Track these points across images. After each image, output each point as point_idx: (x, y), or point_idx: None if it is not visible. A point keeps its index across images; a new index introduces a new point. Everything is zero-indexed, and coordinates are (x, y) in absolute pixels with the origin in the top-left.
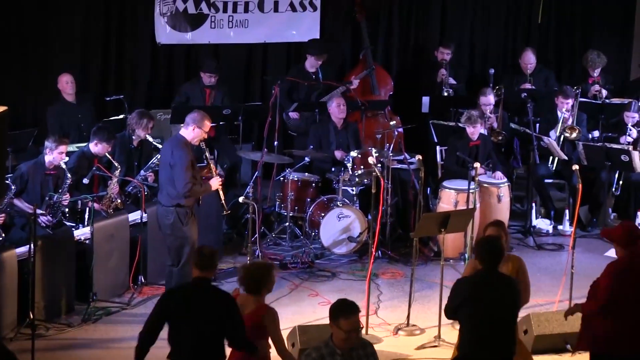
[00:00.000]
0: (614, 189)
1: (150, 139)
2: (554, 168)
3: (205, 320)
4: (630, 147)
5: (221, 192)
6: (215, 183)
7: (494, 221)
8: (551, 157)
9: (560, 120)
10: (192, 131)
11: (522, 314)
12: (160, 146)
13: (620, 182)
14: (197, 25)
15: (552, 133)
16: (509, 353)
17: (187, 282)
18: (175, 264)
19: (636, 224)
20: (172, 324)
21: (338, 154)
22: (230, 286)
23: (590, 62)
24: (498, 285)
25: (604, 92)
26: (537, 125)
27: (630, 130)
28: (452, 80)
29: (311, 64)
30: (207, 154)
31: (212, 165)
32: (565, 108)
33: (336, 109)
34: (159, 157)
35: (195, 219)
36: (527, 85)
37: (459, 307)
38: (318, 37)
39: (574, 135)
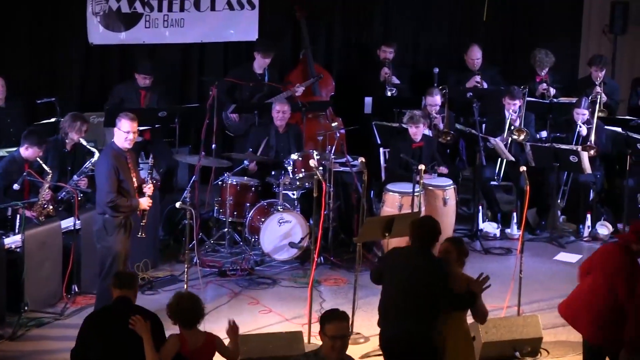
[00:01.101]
0: (562, 192)
1: (84, 143)
2: (501, 170)
3: (129, 344)
4: (579, 148)
5: (146, 214)
6: (145, 203)
7: (454, 238)
8: (498, 159)
9: (507, 122)
10: (116, 135)
11: (469, 320)
12: (94, 150)
13: (569, 184)
14: (131, 24)
15: (498, 139)
16: (417, 335)
17: (108, 305)
18: (99, 273)
19: (586, 226)
20: (96, 350)
21: (251, 165)
22: (168, 295)
23: (538, 61)
24: (420, 262)
25: (552, 91)
26: (484, 125)
27: (580, 127)
28: (395, 80)
29: (259, 63)
30: (151, 168)
31: (150, 182)
32: (512, 109)
33: (276, 114)
34: (92, 161)
35: (128, 230)
36: (477, 78)
37: (382, 274)
38: (257, 37)
39: (522, 137)
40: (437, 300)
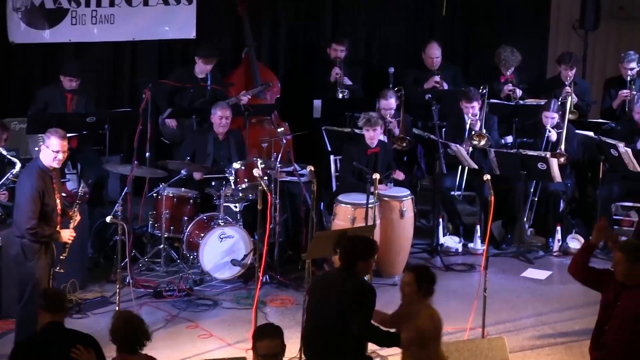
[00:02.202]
0: (529, 203)
1: (4, 152)
2: (463, 179)
3: None
4: (548, 154)
5: (67, 248)
6: (66, 236)
7: (414, 267)
8: (460, 167)
9: (467, 126)
10: (43, 152)
11: None
12: (15, 160)
13: (538, 194)
14: (56, 21)
15: (465, 144)
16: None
17: (37, 331)
18: (18, 300)
19: (556, 239)
20: None
21: (196, 175)
22: (98, 318)
23: (503, 60)
24: (334, 283)
25: (519, 92)
26: (444, 130)
27: (549, 132)
28: (347, 81)
29: (201, 68)
30: (78, 180)
31: (76, 213)
32: (470, 112)
33: (217, 120)
34: (14, 172)
35: (50, 255)
36: (436, 79)
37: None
38: (194, 34)
39: (482, 142)
40: (349, 332)
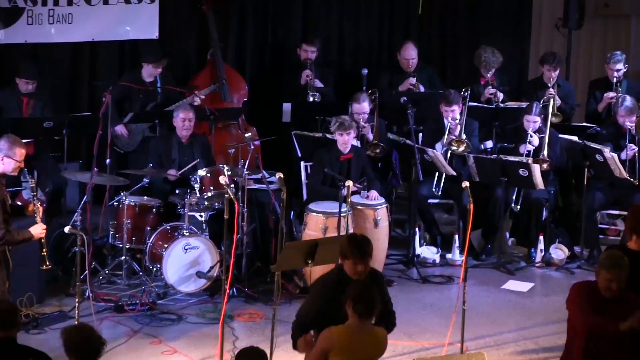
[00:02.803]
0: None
1: None
2: (441, 186)
3: None
4: (530, 160)
5: (44, 242)
6: (38, 230)
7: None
8: (437, 173)
9: (446, 131)
10: (1, 162)
11: (406, 359)
12: None
13: (519, 202)
14: (10, 21)
15: (438, 145)
16: None
17: None
18: None
19: (538, 250)
20: None
21: (171, 173)
22: (57, 334)
23: (484, 61)
24: None
25: (500, 95)
26: (420, 135)
27: (531, 137)
28: (318, 83)
29: (149, 72)
30: (33, 187)
31: (37, 204)
32: (450, 116)
33: (180, 122)
34: None
35: (4, 264)
36: (412, 81)
37: None
38: (157, 35)
39: (461, 149)
40: None
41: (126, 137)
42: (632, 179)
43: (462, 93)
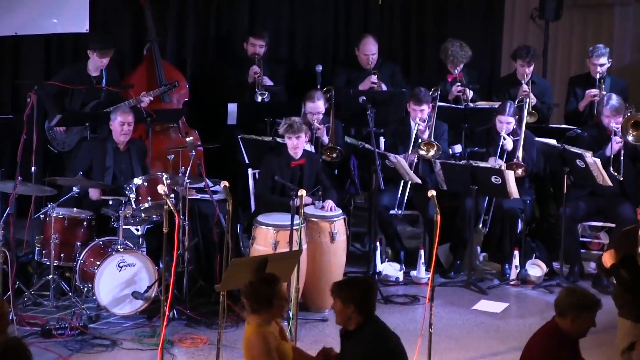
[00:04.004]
0: (482, 223)
1: None
2: (405, 195)
3: None
4: (503, 165)
5: None
6: None
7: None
8: (401, 182)
9: (413, 134)
10: None
11: None
12: None
13: (491, 212)
14: None
15: (404, 155)
16: None
17: None
18: None
19: (513, 266)
20: None
21: (93, 194)
22: None
23: (450, 55)
24: None
25: (469, 93)
26: (382, 138)
27: (504, 139)
28: (267, 81)
29: (95, 64)
30: None
31: None
32: (419, 117)
33: (118, 127)
34: None
35: None
36: (373, 79)
37: None
38: (87, 28)
39: (432, 153)
40: None
41: (63, 134)
42: (616, 174)
43: (432, 93)
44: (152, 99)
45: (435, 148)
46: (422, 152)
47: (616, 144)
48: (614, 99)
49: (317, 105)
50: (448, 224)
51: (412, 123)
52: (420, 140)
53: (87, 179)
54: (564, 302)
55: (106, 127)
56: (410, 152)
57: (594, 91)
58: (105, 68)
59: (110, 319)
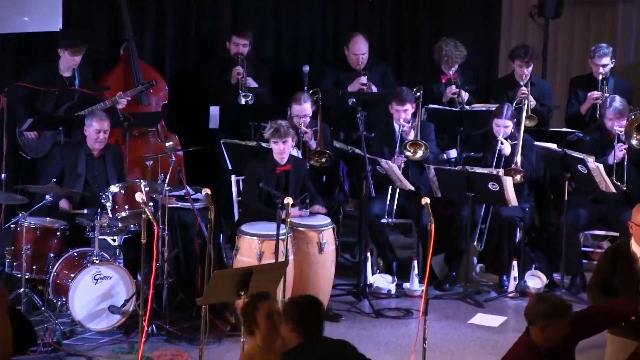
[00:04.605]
0: (477, 236)
1: None
2: (395, 203)
3: None
4: (501, 171)
5: None
6: None
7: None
8: (390, 188)
9: (398, 135)
10: None
11: None
12: None
13: (488, 221)
14: None
15: (395, 159)
16: None
17: None
18: None
19: (511, 277)
20: None
21: (63, 205)
22: None
23: (445, 55)
24: None
25: (464, 95)
26: (373, 143)
27: (502, 144)
28: (251, 82)
29: (67, 63)
30: None
31: None
32: (402, 117)
33: (93, 134)
34: None
35: None
36: (363, 80)
37: None
38: (61, 25)
39: (419, 154)
40: None
41: (35, 140)
42: (619, 184)
43: (415, 92)
44: (129, 99)
45: (422, 148)
46: (409, 154)
47: (619, 151)
48: (618, 101)
49: (304, 108)
50: (443, 233)
51: (395, 125)
52: (405, 142)
53: (59, 186)
54: (533, 309)
55: (81, 131)
56: (396, 155)
57: (597, 93)
58: (78, 68)
59: (85, 335)
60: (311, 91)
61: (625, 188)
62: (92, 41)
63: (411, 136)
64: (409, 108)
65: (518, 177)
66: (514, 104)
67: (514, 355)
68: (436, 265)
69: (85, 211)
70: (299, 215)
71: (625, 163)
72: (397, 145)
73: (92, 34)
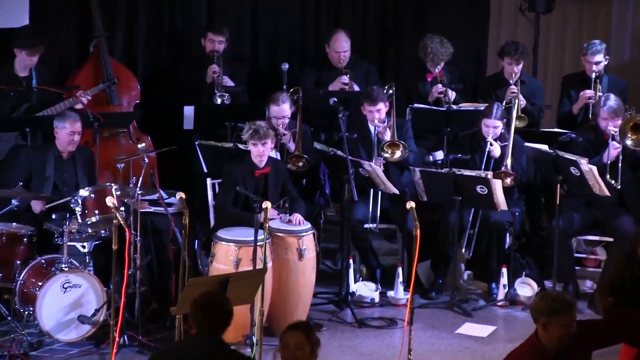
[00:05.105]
0: (466, 243)
1: None
2: (379, 207)
3: None
4: (490, 174)
5: None
6: None
7: (301, 324)
8: (372, 191)
9: (374, 137)
10: None
11: None
12: None
13: (477, 226)
14: None
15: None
16: None
17: None
18: None
19: (501, 285)
20: None
21: (36, 207)
22: None
23: (429, 53)
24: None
25: (452, 95)
26: (352, 144)
27: (491, 145)
28: (228, 81)
29: (23, 63)
30: None
31: None
32: (376, 118)
33: (66, 136)
34: None
35: None
36: (345, 79)
37: None
38: (27, 21)
39: (398, 154)
40: None
41: None
42: (612, 182)
43: (386, 90)
44: (89, 98)
45: (400, 148)
46: (387, 155)
47: (614, 149)
48: (612, 100)
49: (283, 109)
50: (429, 239)
51: (370, 127)
52: (382, 143)
53: (27, 190)
54: (535, 307)
55: (40, 134)
56: (374, 159)
57: (589, 92)
58: (35, 67)
59: (54, 346)
60: (291, 90)
61: (619, 187)
62: (54, 39)
63: (387, 136)
64: (382, 107)
65: (508, 181)
66: (504, 104)
67: (517, 354)
68: (422, 273)
69: (54, 216)
70: (277, 215)
71: (620, 165)
72: (375, 147)
73: (58, 31)
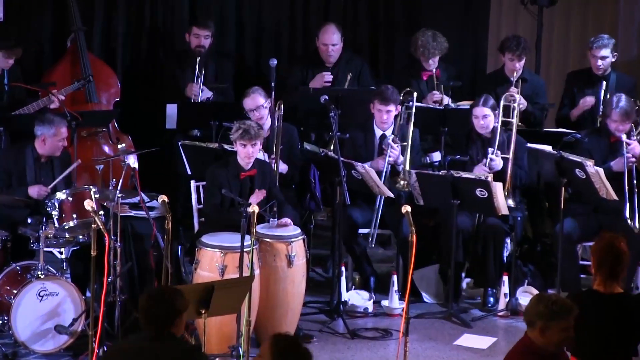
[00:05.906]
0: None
1: None
2: (375, 212)
3: None
4: (490, 176)
5: None
6: None
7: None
8: (373, 196)
9: (378, 138)
10: None
11: None
12: None
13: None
14: None
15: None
16: None
17: None
18: None
19: (501, 294)
20: None
21: (34, 190)
22: None
23: (421, 47)
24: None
25: (446, 100)
26: (346, 145)
27: (493, 160)
28: (207, 93)
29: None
30: None
31: None
32: (384, 119)
33: (57, 143)
34: None
35: None
36: (328, 77)
37: None
38: (2, 15)
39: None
40: None
41: None
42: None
43: (402, 95)
44: (63, 98)
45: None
46: (401, 184)
47: (630, 161)
48: (624, 101)
49: (254, 98)
50: (425, 245)
51: (375, 129)
52: (399, 169)
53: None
54: (531, 310)
55: (12, 135)
56: (375, 159)
57: (590, 100)
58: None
59: (29, 357)
60: (272, 84)
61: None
62: (29, 32)
63: (400, 160)
64: (393, 109)
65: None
66: (501, 105)
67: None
68: (430, 280)
69: (30, 221)
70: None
71: (634, 170)
72: (376, 149)
73: (33, 24)
